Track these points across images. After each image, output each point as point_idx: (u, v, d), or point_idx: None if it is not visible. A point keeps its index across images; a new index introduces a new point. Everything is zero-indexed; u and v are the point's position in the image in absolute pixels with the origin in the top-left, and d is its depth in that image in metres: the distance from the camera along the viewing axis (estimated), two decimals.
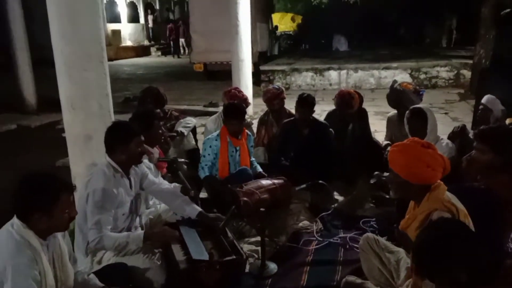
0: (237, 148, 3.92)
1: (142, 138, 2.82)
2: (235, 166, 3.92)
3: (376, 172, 4.05)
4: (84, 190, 2.65)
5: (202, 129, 5.81)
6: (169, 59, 22.11)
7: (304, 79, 11.41)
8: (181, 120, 4.76)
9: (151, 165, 3.32)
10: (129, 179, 2.85)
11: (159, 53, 24.70)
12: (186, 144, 4.65)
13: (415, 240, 1.74)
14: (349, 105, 4.46)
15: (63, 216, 1.98)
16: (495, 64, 5.56)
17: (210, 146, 3.85)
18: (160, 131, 3.57)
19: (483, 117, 4.11)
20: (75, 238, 2.74)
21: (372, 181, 3.88)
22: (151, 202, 3.35)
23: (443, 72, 10.73)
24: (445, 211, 2.18)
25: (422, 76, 10.76)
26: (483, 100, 4.14)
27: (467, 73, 10.35)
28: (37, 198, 1.91)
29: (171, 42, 23.25)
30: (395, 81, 4.58)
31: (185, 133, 4.58)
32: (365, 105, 4.99)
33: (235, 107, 3.89)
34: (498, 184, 2.89)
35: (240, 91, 4.72)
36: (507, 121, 4.22)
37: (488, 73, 5.74)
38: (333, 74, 11.24)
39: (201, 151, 4.06)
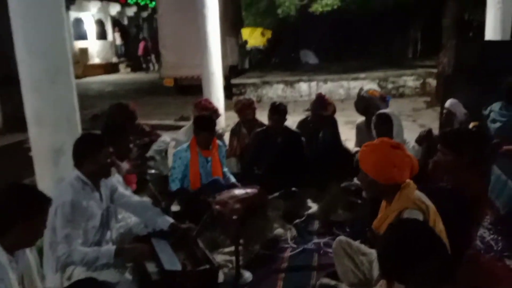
0: (208, 159, 3.91)
1: (111, 150, 2.78)
2: (207, 177, 3.89)
3: (347, 179, 4.12)
4: (53, 204, 2.58)
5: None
6: (139, 76, 21.95)
7: (275, 91, 11.52)
8: (155, 143, 4.64)
9: (121, 179, 3.27)
10: (99, 192, 2.79)
11: (129, 69, 24.50)
12: (163, 170, 4.47)
13: (378, 246, 1.77)
14: (325, 107, 4.55)
15: (39, 230, 1.93)
16: (457, 71, 5.75)
17: (180, 158, 3.82)
18: (130, 145, 3.53)
19: (447, 121, 4.26)
20: (44, 254, 2.65)
21: (342, 185, 3.94)
22: (120, 216, 3.29)
23: (410, 81, 11.05)
24: (416, 209, 2.23)
25: (390, 86, 11.04)
26: (446, 104, 4.29)
27: (432, 82, 10.67)
28: (23, 209, 1.85)
29: (143, 59, 23.14)
30: (361, 89, 4.70)
31: (157, 158, 4.49)
32: (335, 115, 5.09)
33: (205, 118, 3.88)
34: (464, 184, 2.99)
35: (210, 102, 4.73)
36: (471, 125, 4.39)
37: (451, 80, 5.94)
38: (303, 86, 11.40)
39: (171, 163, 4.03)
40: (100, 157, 2.68)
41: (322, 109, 4.59)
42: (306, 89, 11.35)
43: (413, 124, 7.82)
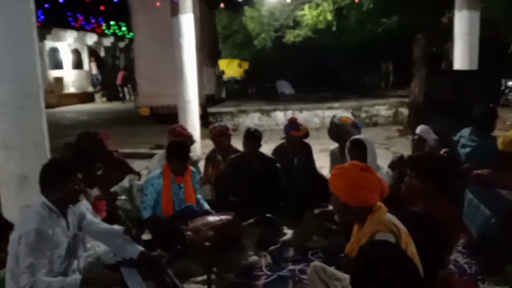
0: (181, 185, 3.84)
1: (80, 176, 2.71)
2: (180, 204, 3.82)
3: (322, 204, 4.11)
4: (16, 232, 2.48)
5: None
6: (115, 105, 21.79)
7: (251, 120, 11.57)
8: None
9: (89, 206, 3.18)
10: (66, 219, 2.70)
11: (104, 99, 24.34)
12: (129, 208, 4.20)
13: (350, 270, 1.74)
14: (297, 127, 4.58)
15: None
16: (428, 100, 5.92)
17: (152, 185, 3.75)
18: (98, 173, 3.45)
19: (418, 147, 4.33)
20: (6, 284, 2.52)
21: (316, 212, 3.92)
22: (88, 245, 3.17)
23: (383, 110, 11.30)
24: (387, 232, 2.22)
25: (363, 115, 11.25)
26: (417, 130, 4.37)
27: (404, 111, 10.94)
28: None
29: (120, 88, 23.08)
30: (334, 116, 4.77)
31: (120, 194, 4.33)
32: (310, 143, 5.14)
33: (179, 144, 3.84)
34: (435, 209, 3.02)
35: (184, 129, 4.71)
36: (442, 151, 4.48)
37: (422, 108, 6.10)
38: (279, 115, 11.50)
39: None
40: (68, 183, 2.60)
41: (294, 129, 4.62)
42: (282, 117, 11.44)
43: (386, 152, 7.94)
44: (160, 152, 4.81)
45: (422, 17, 9.61)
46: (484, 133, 3.99)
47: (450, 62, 7.68)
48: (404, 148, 7.95)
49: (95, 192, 3.41)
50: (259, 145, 4.41)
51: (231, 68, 23.40)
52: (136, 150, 8.86)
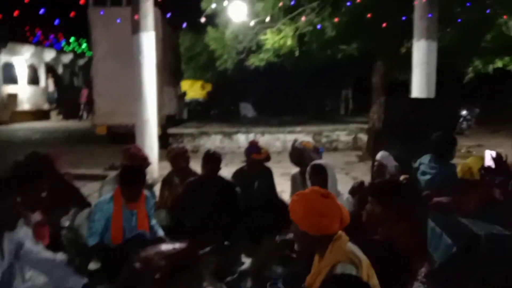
0: (134, 212, 3.59)
1: (19, 199, 2.46)
2: (131, 232, 3.56)
3: (282, 231, 3.97)
4: None
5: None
6: (71, 123, 21.10)
7: (213, 142, 11.42)
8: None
9: (29, 233, 2.89)
10: (1, 247, 2.43)
11: (60, 117, 23.53)
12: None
13: None
14: (258, 150, 4.46)
15: None
16: (386, 126, 5.98)
17: (102, 210, 3.48)
18: (42, 195, 3.17)
19: (378, 173, 4.30)
20: None
21: (278, 240, 3.77)
22: (27, 276, 2.87)
23: (343, 136, 11.46)
24: (348, 263, 2.12)
25: (324, 140, 11.35)
26: (377, 157, 4.36)
27: (363, 137, 11.12)
28: None
29: (83, 106, 22.48)
30: (295, 140, 4.71)
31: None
32: (272, 167, 5.04)
33: (133, 171, 3.57)
34: (397, 236, 2.95)
35: (139, 150, 4.47)
36: (401, 177, 4.47)
37: (380, 134, 6.15)
38: (241, 138, 11.41)
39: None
40: (3, 206, 2.35)
41: (255, 152, 4.51)
42: (244, 140, 11.36)
43: (346, 177, 7.97)
44: (113, 174, 4.54)
45: (381, 46, 9.90)
46: (444, 160, 4.01)
47: (409, 90, 7.88)
48: (364, 173, 8.00)
49: (37, 216, 3.12)
50: (218, 168, 4.24)
51: (193, 90, 23.30)
52: (90, 171, 8.47)
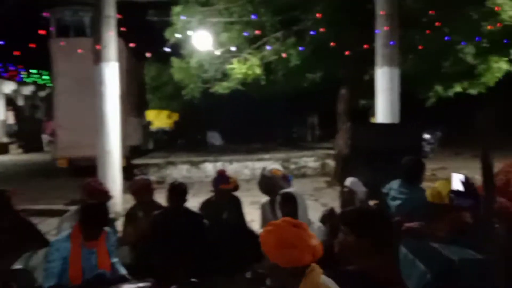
0: (93, 250, 3.34)
1: None
2: (91, 271, 3.31)
3: (254, 265, 3.81)
4: None
5: None
6: (32, 157, 20.29)
7: (179, 172, 11.17)
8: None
9: None
10: None
11: (20, 150, 22.63)
12: None
13: None
14: (226, 180, 4.32)
15: None
16: (353, 152, 5.99)
17: (58, 249, 3.22)
18: None
19: (348, 199, 4.24)
20: None
21: (248, 275, 3.61)
22: None
23: (311, 162, 11.49)
24: None
25: (292, 166, 11.33)
26: (346, 183, 4.31)
27: (331, 163, 11.19)
28: None
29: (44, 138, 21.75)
30: (264, 168, 4.62)
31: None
32: (241, 196, 4.91)
33: (95, 209, 3.32)
34: (372, 267, 2.85)
35: (100, 184, 4.23)
36: (371, 203, 4.43)
37: (348, 160, 6.15)
38: (209, 167, 11.23)
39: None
40: None
41: (223, 182, 4.37)
42: (212, 169, 11.16)
43: (315, 203, 7.93)
44: (72, 210, 4.27)
45: (345, 73, 10.08)
46: (414, 185, 3.99)
47: (369, 116, 8.00)
48: (333, 199, 7.96)
49: None
50: (184, 200, 4.07)
51: (160, 119, 23.00)
52: (50, 206, 8.07)
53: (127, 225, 4.49)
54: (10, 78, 24.59)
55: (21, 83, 25.86)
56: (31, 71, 26.05)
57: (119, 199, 7.16)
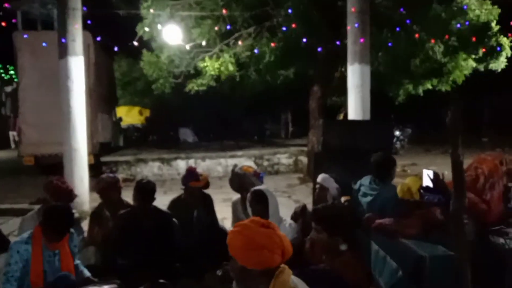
0: (56, 252, 3.19)
1: None
2: (54, 274, 3.16)
3: (224, 263, 3.73)
4: None
5: None
6: None
7: (150, 169, 10.98)
8: None
9: None
10: None
11: None
12: None
13: None
14: (196, 177, 4.23)
15: None
16: (325, 148, 5.97)
17: (18, 252, 3.05)
18: None
19: (320, 196, 4.22)
20: None
21: (219, 273, 3.52)
22: None
23: (284, 159, 11.48)
24: None
25: (265, 163, 11.31)
26: (319, 179, 4.28)
27: (304, 159, 11.20)
28: None
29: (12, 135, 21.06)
30: (235, 165, 4.54)
31: None
32: (213, 193, 4.81)
33: (59, 212, 3.15)
34: (342, 265, 2.82)
35: (64, 182, 4.05)
36: (343, 199, 4.42)
37: (320, 157, 6.13)
38: (181, 164, 11.07)
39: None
40: None
41: (193, 179, 4.25)
42: (184, 166, 10.97)
43: (288, 200, 7.91)
44: (35, 209, 4.08)
45: (316, 70, 10.09)
46: (384, 181, 3.99)
47: (346, 113, 8.02)
48: (306, 196, 7.97)
49: None
50: (152, 199, 3.93)
51: (131, 115, 22.56)
52: (14, 205, 7.77)
53: (93, 225, 4.32)
54: None
55: None
56: None
57: (86, 198, 6.95)
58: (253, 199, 3.46)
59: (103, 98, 12.52)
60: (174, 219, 4.12)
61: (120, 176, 4.55)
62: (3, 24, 7.75)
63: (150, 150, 12.88)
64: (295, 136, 17.30)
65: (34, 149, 10.98)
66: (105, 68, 12.88)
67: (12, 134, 21.20)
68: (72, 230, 3.36)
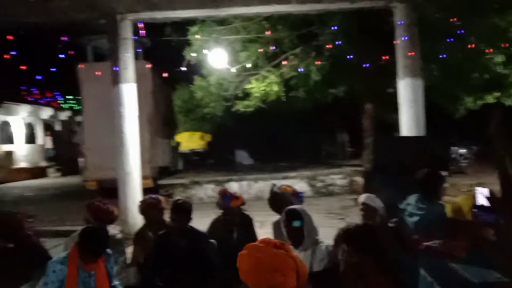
0: (92, 273, 3.23)
1: None
2: None
3: None
4: None
5: None
6: (69, 180, 20.86)
7: (205, 191, 11.11)
8: None
9: None
10: None
11: (58, 174, 23.33)
12: None
13: None
14: (232, 194, 4.23)
15: None
16: (376, 167, 5.71)
17: (54, 271, 3.13)
18: None
19: (368, 216, 3.99)
20: None
21: None
22: None
23: (338, 179, 11.14)
24: None
25: (319, 184, 11.04)
26: (363, 200, 4.06)
27: (359, 179, 10.80)
28: None
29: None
30: (274, 185, 4.42)
31: None
32: (261, 215, 4.72)
33: (94, 234, 3.23)
34: None
35: (105, 204, 4.14)
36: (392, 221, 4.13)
37: (371, 176, 5.87)
38: (234, 186, 11.10)
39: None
40: None
41: (231, 201, 4.20)
42: (237, 188, 11.03)
43: (341, 222, 7.57)
44: (78, 230, 4.19)
45: (366, 87, 9.80)
46: (431, 200, 3.69)
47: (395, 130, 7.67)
48: (360, 218, 7.62)
49: None
50: (188, 219, 3.90)
51: (192, 141, 23.20)
52: (74, 227, 8.10)
53: (136, 246, 4.39)
54: (47, 104, 25.61)
55: (58, 108, 26.87)
56: (67, 97, 27.02)
57: (139, 220, 7.11)
58: (287, 218, 3.31)
59: (161, 125, 12.99)
60: (212, 240, 4.07)
61: (162, 197, 4.57)
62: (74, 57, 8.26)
63: (206, 173, 13.10)
64: (353, 157, 16.78)
65: (96, 173, 11.54)
66: (163, 96, 13.38)
67: (81, 161, 22.50)
68: (109, 251, 3.41)
